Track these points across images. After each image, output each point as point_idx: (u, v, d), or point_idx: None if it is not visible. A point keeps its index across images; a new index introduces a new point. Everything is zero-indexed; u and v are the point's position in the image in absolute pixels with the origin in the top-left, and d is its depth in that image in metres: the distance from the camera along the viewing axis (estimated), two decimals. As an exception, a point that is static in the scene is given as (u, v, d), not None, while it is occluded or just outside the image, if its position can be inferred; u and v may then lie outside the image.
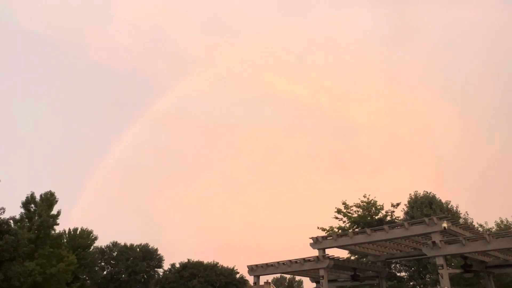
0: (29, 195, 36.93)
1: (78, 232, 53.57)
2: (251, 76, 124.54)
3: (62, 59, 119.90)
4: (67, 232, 52.14)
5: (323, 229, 30.17)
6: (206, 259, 72.52)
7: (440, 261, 10.41)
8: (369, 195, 31.63)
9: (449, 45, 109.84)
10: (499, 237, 10.05)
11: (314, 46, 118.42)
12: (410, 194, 34.19)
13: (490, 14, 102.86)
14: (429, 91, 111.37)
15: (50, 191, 38.30)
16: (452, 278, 14.96)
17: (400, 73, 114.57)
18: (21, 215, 34.75)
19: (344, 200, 31.73)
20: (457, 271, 13.80)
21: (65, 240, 47.79)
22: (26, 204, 36.49)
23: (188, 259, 71.61)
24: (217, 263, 71.95)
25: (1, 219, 22.66)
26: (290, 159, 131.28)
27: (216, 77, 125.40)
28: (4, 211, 22.79)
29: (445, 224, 10.78)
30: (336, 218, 31.36)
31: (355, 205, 31.41)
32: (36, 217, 35.45)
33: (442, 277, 10.26)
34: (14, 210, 36.93)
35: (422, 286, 30.85)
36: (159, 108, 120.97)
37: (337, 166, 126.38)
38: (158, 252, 68.27)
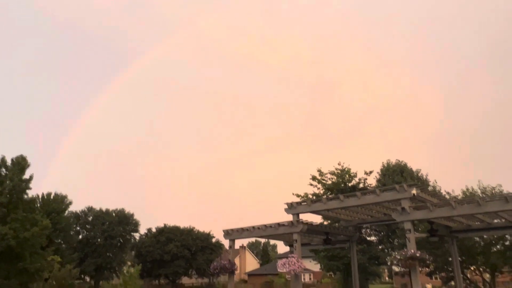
0: (-1, 159, 35.94)
1: (51, 197, 52.93)
2: (233, 41, 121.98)
3: (33, 16, 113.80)
4: (40, 196, 51.44)
5: (298, 195, 30.68)
6: (184, 224, 73.41)
7: (408, 226, 10.79)
8: (343, 163, 32.24)
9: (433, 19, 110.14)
10: (464, 203, 10.44)
11: (299, 11, 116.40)
12: (382, 162, 35.12)
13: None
14: (412, 65, 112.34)
15: (21, 155, 37.26)
16: (419, 242, 15.64)
17: (382, 46, 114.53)
18: (-8, 179, 33.92)
19: (319, 168, 32.28)
20: (424, 235, 14.40)
21: (38, 205, 47.17)
22: (-4, 168, 35.57)
23: (165, 224, 72.23)
24: (193, 227, 72.95)
25: (-29, 183, 22.00)
26: (270, 125, 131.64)
27: (198, 42, 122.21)
28: (-27, 175, 22.12)
29: (414, 191, 11.09)
30: (311, 185, 31.90)
31: (329, 173, 31.97)
32: (8, 181, 34.67)
33: (409, 241, 10.69)
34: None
35: (390, 249, 32.21)
36: (137, 73, 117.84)
37: (314, 128, 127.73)
38: (134, 217, 68.38)
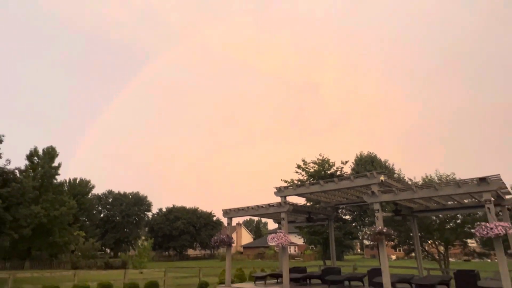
0: (32, 149, 35.68)
1: (77, 182, 52.69)
2: (232, 49, 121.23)
3: (59, 27, 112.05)
4: (67, 181, 51.17)
5: (285, 181, 30.80)
6: (190, 205, 73.49)
7: (376, 206, 10.86)
8: (323, 154, 32.41)
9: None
10: (423, 188, 10.52)
11: (287, 24, 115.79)
12: (356, 153, 35.28)
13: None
14: (383, 66, 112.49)
15: (51, 146, 37.07)
16: (385, 220, 15.76)
17: (360, 41, 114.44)
18: (26, 166, 33.68)
19: (303, 158, 32.45)
20: (389, 214, 14.51)
21: (66, 188, 46.98)
22: (30, 157, 35.32)
23: (173, 205, 72.30)
24: (197, 208, 73.07)
25: (8, 169, 21.74)
26: (263, 121, 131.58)
27: (200, 49, 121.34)
28: (10, 163, 21.87)
29: (382, 178, 11.16)
30: (297, 172, 32.03)
31: (312, 162, 32.09)
32: (39, 168, 34.46)
33: (377, 219, 10.78)
34: (19, 162, 35.64)
35: (362, 226, 32.47)
36: (148, 75, 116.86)
37: (300, 123, 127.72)
38: (148, 199, 68.39)
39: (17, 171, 22.79)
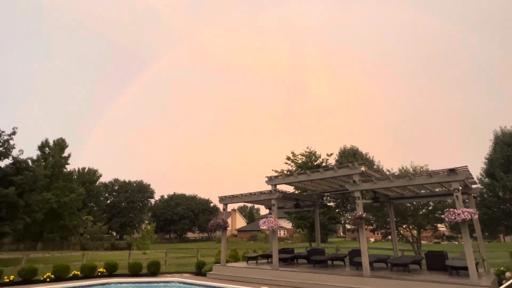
0: (43, 141, 35.20)
1: (86, 170, 52.22)
2: (229, 51, 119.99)
3: (67, 29, 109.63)
4: (77, 170, 50.68)
5: (276, 171, 30.96)
6: (189, 192, 73.43)
7: (357, 194, 10.93)
8: (311, 147, 32.58)
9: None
10: (399, 178, 10.60)
11: (279, 29, 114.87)
12: (340, 147, 35.48)
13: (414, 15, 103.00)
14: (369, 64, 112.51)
15: (61, 138, 36.61)
16: (365, 207, 15.90)
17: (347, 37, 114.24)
18: (38, 156, 33.24)
19: (292, 151, 32.59)
20: (369, 201, 14.63)
21: (75, 177, 46.53)
22: (41, 148, 34.85)
23: (174, 192, 72.24)
24: (196, 195, 73.13)
25: (21, 159, 21.39)
26: (257, 116, 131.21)
27: (198, 51, 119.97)
28: (22, 153, 21.48)
29: (363, 168, 11.22)
30: (286, 163, 32.18)
31: (300, 154, 32.24)
32: (50, 158, 34.03)
33: (358, 206, 10.85)
34: (31, 153, 35.11)
35: (344, 212, 32.79)
36: (150, 75, 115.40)
37: (290, 118, 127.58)
38: (151, 187, 68.14)
39: (29, 161, 22.42)
